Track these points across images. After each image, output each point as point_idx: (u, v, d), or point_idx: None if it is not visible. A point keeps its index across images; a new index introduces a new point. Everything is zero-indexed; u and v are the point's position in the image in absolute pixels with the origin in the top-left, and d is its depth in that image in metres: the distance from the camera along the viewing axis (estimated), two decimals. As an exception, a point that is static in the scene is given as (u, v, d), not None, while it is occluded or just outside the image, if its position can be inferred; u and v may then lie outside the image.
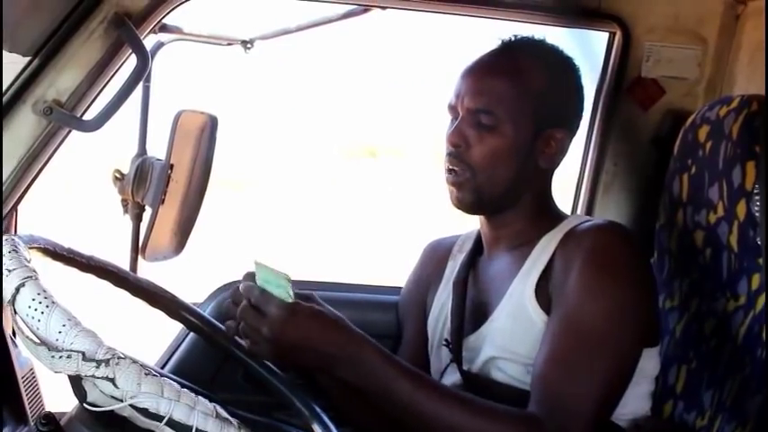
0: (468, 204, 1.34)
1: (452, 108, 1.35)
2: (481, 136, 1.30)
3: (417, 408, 1.12)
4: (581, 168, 1.84)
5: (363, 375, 1.12)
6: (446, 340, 1.41)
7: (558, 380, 1.17)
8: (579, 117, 1.38)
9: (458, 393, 1.19)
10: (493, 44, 1.37)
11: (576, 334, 1.19)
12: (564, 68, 1.36)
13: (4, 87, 1.34)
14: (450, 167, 1.33)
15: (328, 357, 1.11)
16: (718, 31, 1.75)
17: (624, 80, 1.77)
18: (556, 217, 1.37)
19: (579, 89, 1.37)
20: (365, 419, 1.40)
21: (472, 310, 1.38)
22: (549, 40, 1.38)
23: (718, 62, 1.76)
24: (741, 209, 1.30)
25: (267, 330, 1.09)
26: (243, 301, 1.12)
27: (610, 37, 1.79)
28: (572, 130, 1.37)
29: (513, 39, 1.36)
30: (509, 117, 1.30)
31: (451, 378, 1.38)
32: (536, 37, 1.37)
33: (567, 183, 1.87)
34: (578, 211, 1.84)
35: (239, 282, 1.56)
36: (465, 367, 1.35)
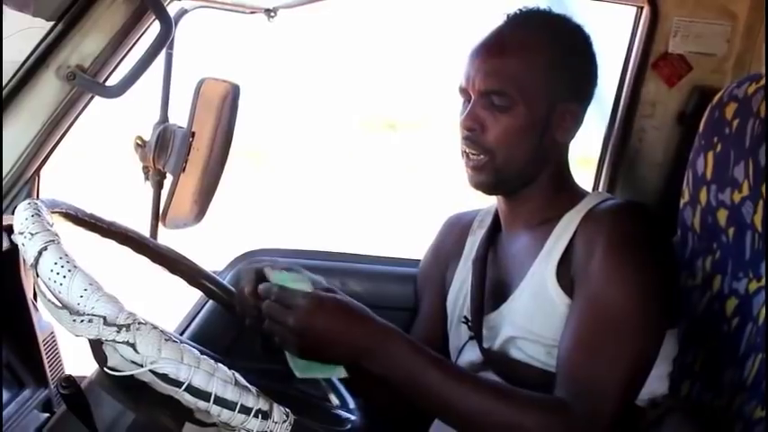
0: (487, 186, 1.33)
1: (464, 91, 1.32)
2: (496, 117, 1.28)
3: (446, 396, 1.11)
4: (604, 144, 1.83)
5: (391, 366, 1.11)
6: (465, 317, 1.41)
7: (583, 364, 1.16)
8: (594, 86, 1.35)
9: (485, 380, 1.18)
10: (498, 20, 1.33)
11: (600, 318, 1.18)
12: (574, 37, 1.33)
13: (29, 52, 1.34)
14: (467, 151, 1.31)
15: (356, 348, 1.10)
16: (749, 7, 1.71)
17: (651, 55, 1.75)
18: (575, 194, 1.36)
19: (591, 57, 1.34)
20: (378, 395, 1.41)
21: (492, 289, 1.38)
22: (557, 11, 1.34)
23: (748, 38, 1.73)
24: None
25: (293, 321, 1.07)
26: (265, 301, 1.11)
27: (637, 11, 1.76)
28: (587, 100, 1.34)
29: (519, 12, 1.33)
30: (522, 95, 1.27)
31: (470, 355, 1.38)
32: (542, 8, 1.34)
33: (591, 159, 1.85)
34: (600, 187, 1.83)
35: (259, 251, 1.58)
36: (485, 345, 1.35)
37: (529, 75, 1.27)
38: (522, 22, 1.32)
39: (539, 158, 1.32)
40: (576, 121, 1.33)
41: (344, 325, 1.09)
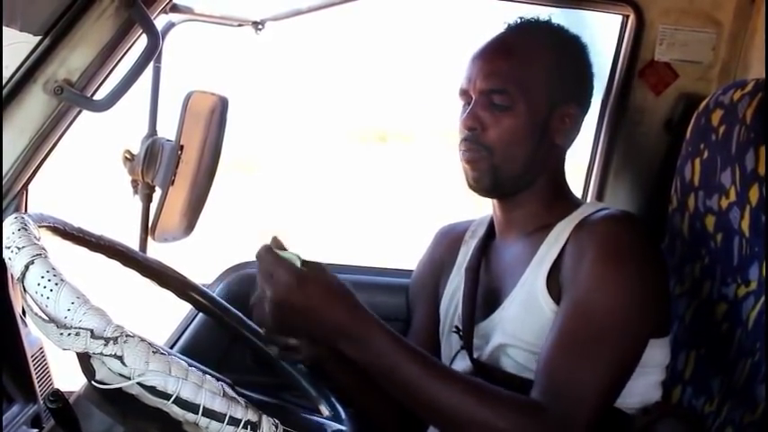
0: (484, 186, 1.33)
1: (464, 92, 1.34)
2: (496, 117, 1.30)
3: (423, 391, 1.11)
4: (592, 152, 1.84)
5: (370, 356, 1.10)
6: (456, 327, 1.41)
7: (561, 368, 1.16)
8: (591, 93, 1.37)
9: (464, 378, 1.18)
10: (499, 27, 1.37)
11: (582, 324, 1.18)
12: (571, 45, 1.36)
13: (16, 66, 1.34)
14: (466, 151, 1.32)
15: (332, 331, 1.09)
16: (734, 15, 1.73)
17: (637, 64, 1.76)
18: (570, 203, 1.36)
19: (588, 65, 1.37)
20: (369, 403, 1.40)
21: (484, 297, 1.38)
22: (555, 21, 1.38)
23: (733, 46, 1.75)
24: (753, 194, 1.29)
25: (271, 292, 1.07)
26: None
27: (623, 20, 1.78)
28: (585, 106, 1.36)
29: (518, 21, 1.36)
30: (522, 95, 1.29)
31: (461, 365, 1.38)
32: (541, 17, 1.37)
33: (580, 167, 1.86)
34: (589, 195, 1.84)
35: (249, 263, 1.58)
36: (475, 355, 1.35)
37: (529, 76, 1.30)
38: (523, 29, 1.36)
39: (537, 161, 1.33)
40: (575, 124, 1.34)
41: (323, 306, 1.08)
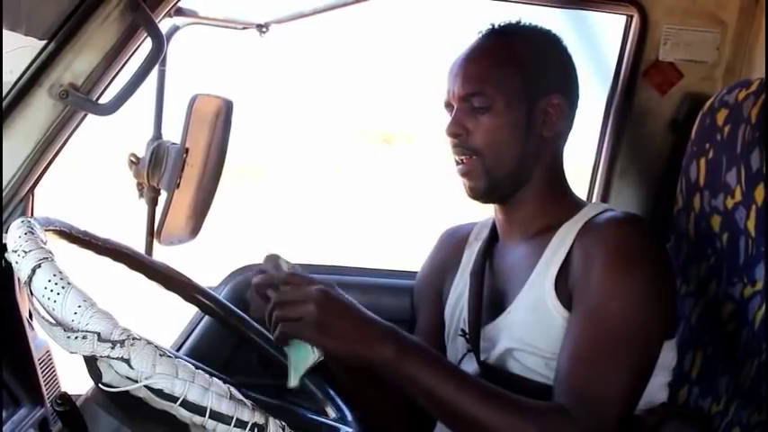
0: (482, 191, 1.34)
1: (448, 105, 1.37)
2: (478, 119, 1.31)
3: (459, 406, 1.12)
4: (597, 152, 1.84)
5: (412, 375, 1.11)
6: (462, 330, 1.41)
7: (585, 377, 1.17)
8: (573, 82, 1.38)
9: (494, 389, 1.17)
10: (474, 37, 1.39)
11: (599, 332, 1.19)
12: (543, 39, 1.37)
13: (21, 71, 1.34)
14: (458, 158, 1.34)
15: (379, 347, 1.10)
16: (738, 14, 1.73)
17: (641, 64, 1.76)
18: (571, 203, 1.36)
19: (565, 55, 1.38)
20: (373, 404, 1.40)
21: (489, 300, 1.38)
22: (527, 22, 1.39)
23: (738, 45, 1.74)
24: (759, 193, 1.29)
25: (317, 292, 1.08)
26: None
27: (627, 20, 1.78)
28: (570, 94, 1.36)
29: (490, 27, 1.38)
30: (500, 93, 1.31)
31: (468, 368, 1.37)
32: (512, 21, 1.38)
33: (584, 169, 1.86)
34: (594, 196, 1.84)
35: (254, 266, 1.58)
36: (482, 357, 1.35)
37: (504, 74, 1.31)
38: (494, 33, 1.37)
39: (528, 157, 1.33)
40: (562, 115, 1.34)
41: (366, 318, 1.10)
